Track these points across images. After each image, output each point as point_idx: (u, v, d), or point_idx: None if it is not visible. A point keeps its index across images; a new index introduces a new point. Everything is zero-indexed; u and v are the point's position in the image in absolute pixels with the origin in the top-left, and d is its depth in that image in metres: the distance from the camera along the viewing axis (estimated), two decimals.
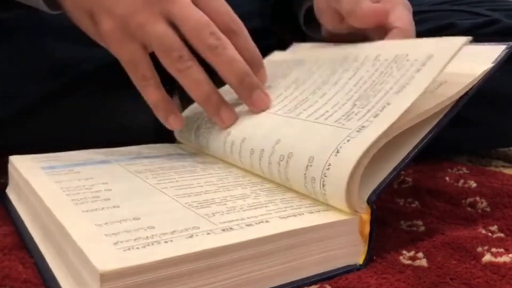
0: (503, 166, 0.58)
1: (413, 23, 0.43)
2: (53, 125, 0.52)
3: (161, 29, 0.38)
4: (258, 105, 0.40)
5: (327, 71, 0.41)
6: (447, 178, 0.50)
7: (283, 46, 0.54)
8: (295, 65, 0.46)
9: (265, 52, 0.55)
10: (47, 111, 0.51)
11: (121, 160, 0.42)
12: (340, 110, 0.35)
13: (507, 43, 0.36)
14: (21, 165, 0.39)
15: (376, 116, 0.32)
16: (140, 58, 0.39)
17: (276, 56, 0.51)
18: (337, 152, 0.30)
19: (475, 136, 0.58)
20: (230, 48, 0.39)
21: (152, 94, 0.40)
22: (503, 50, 0.35)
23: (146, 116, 0.50)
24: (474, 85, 0.34)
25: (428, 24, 0.58)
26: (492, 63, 0.35)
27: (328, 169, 0.30)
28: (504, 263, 0.32)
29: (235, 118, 0.41)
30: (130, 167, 0.40)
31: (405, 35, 0.41)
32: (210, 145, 0.43)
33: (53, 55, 0.50)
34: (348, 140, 0.30)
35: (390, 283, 0.29)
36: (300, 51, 0.50)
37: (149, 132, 0.51)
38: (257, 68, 0.41)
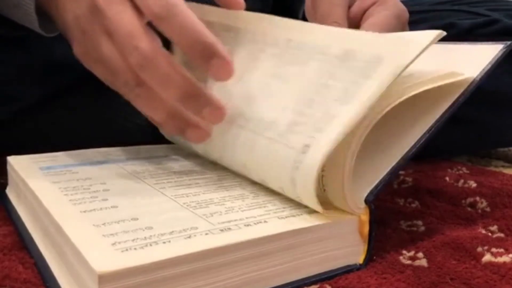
0: (503, 166, 0.58)
1: (388, 30, 0.42)
2: (52, 126, 0.52)
3: (106, 51, 0.33)
4: (213, 121, 0.35)
5: (272, 60, 0.37)
6: (447, 178, 0.50)
7: None
8: (233, 37, 0.40)
9: None
10: (46, 111, 0.51)
11: (119, 160, 0.42)
12: (284, 118, 0.33)
13: (504, 42, 0.36)
14: (19, 165, 0.39)
15: (320, 131, 0.30)
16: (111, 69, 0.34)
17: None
18: (294, 182, 0.30)
19: (475, 136, 0.58)
20: (160, 63, 0.32)
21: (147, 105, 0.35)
22: (501, 49, 0.35)
23: (144, 116, 0.50)
24: (471, 85, 0.34)
25: (428, 24, 0.58)
26: (490, 63, 0.34)
27: (298, 197, 0.30)
28: (504, 263, 0.32)
29: (204, 135, 0.36)
30: (128, 168, 0.40)
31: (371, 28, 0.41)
32: (200, 152, 0.43)
33: (52, 56, 0.50)
34: (297, 167, 0.30)
35: (390, 283, 0.29)
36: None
37: (147, 132, 0.51)
38: (204, 58, 0.32)
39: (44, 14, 0.41)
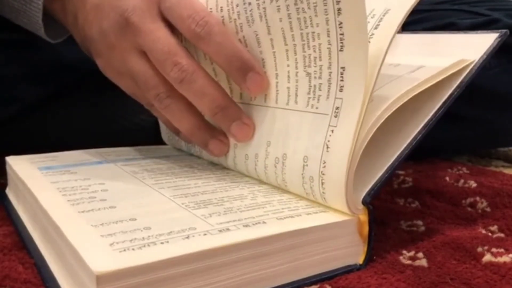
0: (503, 166, 0.58)
1: None
2: (52, 126, 0.52)
3: (136, 66, 0.35)
4: (239, 138, 0.36)
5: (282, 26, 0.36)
6: (447, 178, 0.50)
7: None
8: None
9: None
10: (47, 111, 0.51)
11: (118, 160, 0.42)
12: (301, 86, 0.32)
13: (499, 31, 0.35)
14: (18, 165, 0.39)
15: (341, 89, 0.30)
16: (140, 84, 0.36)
17: None
18: (328, 148, 0.30)
19: (475, 136, 0.58)
20: (198, 78, 0.34)
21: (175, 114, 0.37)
22: (496, 39, 0.35)
23: (145, 116, 0.50)
24: (466, 77, 0.33)
25: (428, 24, 0.58)
26: (485, 53, 0.34)
27: (324, 167, 0.30)
28: (504, 263, 0.32)
29: (225, 149, 0.38)
30: (127, 168, 0.40)
31: None
32: (203, 154, 0.43)
33: (52, 56, 0.50)
34: (332, 131, 0.30)
35: (390, 283, 0.29)
36: None
37: (148, 132, 0.51)
38: (242, 72, 0.34)
39: (51, 19, 0.41)
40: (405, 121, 0.33)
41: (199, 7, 0.34)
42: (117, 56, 0.36)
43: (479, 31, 0.37)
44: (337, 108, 0.30)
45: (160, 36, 0.34)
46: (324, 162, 0.30)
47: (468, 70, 0.33)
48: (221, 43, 0.34)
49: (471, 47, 0.35)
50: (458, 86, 0.33)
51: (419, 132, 0.32)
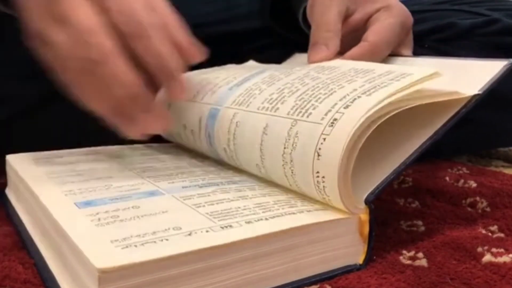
0: (503, 166, 0.58)
1: (391, 38, 0.44)
2: (53, 126, 0.52)
3: (57, 37, 0.34)
4: (149, 129, 0.35)
5: (303, 71, 0.39)
6: (447, 178, 0.50)
7: (284, 46, 0.54)
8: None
9: (265, 51, 0.56)
10: (47, 111, 0.51)
11: (121, 158, 0.42)
12: (303, 101, 0.33)
13: (507, 59, 0.36)
14: (18, 164, 0.39)
15: (347, 107, 0.30)
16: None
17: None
18: (318, 155, 0.30)
19: (475, 136, 0.58)
20: (112, 64, 0.33)
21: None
22: (505, 66, 0.35)
23: None
24: (473, 99, 0.34)
25: (428, 24, 0.58)
26: (493, 78, 0.35)
27: (317, 176, 0.30)
28: (504, 263, 0.32)
29: (141, 132, 0.36)
30: (130, 166, 0.40)
31: (371, 50, 0.42)
32: (205, 150, 0.43)
33: None
34: (325, 139, 0.30)
35: (390, 283, 0.29)
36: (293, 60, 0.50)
37: None
38: (166, 79, 0.34)
39: None
40: (415, 129, 0.33)
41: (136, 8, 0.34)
42: (43, 21, 0.34)
43: (488, 59, 0.37)
44: (335, 119, 0.30)
45: (81, 12, 0.33)
46: (317, 172, 0.30)
47: (475, 95, 0.34)
48: (150, 47, 0.33)
49: (480, 74, 0.36)
50: (464, 106, 0.34)
51: (427, 140, 0.33)
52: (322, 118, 0.30)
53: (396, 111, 0.30)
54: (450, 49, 0.54)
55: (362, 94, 0.31)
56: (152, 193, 0.33)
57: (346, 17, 0.45)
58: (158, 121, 0.36)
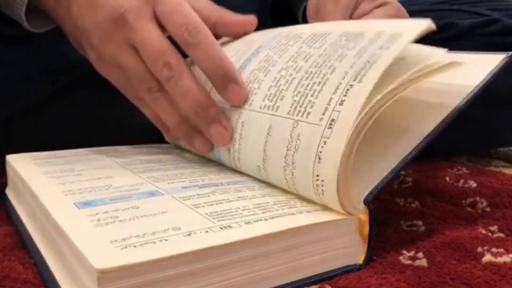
0: (503, 166, 0.58)
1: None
2: (53, 126, 0.52)
3: (129, 60, 0.37)
4: (216, 140, 0.38)
5: (295, 47, 0.38)
6: (447, 178, 0.50)
7: None
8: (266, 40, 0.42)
9: None
10: (47, 111, 0.51)
11: (121, 159, 0.42)
12: (301, 96, 0.33)
13: (506, 52, 0.36)
14: (18, 163, 0.39)
15: (342, 103, 0.30)
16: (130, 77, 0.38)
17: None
18: (319, 159, 0.30)
19: (475, 136, 0.58)
20: (185, 78, 0.37)
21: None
22: (503, 59, 0.35)
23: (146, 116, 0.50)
24: (472, 93, 0.34)
25: None
26: (491, 71, 0.35)
27: (317, 180, 0.30)
28: (504, 263, 0.32)
29: (209, 147, 0.40)
30: (130, 167, 0.40)
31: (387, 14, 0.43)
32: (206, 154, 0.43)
33: (53, 56, 0.50)
34: (325, 142, 0.30)
35: (390, 283, 0.29)
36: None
37: (150, 132, 0.51)
38: (224, 81, 0.37)
39: (37, 9, 0.41)
40: (413, 126, 0.33)
41: (193, 17, 0.37)
42: (109, 49, 0.38)
43: (486, 52, 0.37)
44: (333, 120, 0.30)
45: (152, 36, 0.36)
46: (317, 175, 0.30)
47: (474, 88, 0.34)
48: (208, 52, 0.36)
49: (478, 67, 0.36)
50: (463, 100, 0.34)
51: (425, 138, 0.32)
52: (321, 119, 0.30)
53: (393, 100, 0.30)
54: (450, 49, 0.54)
55: (354, 81, 0.30)
56: (151, 194, 0.33)
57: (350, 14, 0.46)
58: (227, 130, 0.37)
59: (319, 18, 0.44)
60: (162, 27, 0.37)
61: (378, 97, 0.29)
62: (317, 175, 0.30)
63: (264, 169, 0.35)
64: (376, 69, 0.30)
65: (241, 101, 0.37)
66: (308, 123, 0.31)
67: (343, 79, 0.31)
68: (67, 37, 0.42)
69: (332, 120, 0.30)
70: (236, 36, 0.44)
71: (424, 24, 0.31)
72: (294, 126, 0.32)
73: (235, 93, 0.37)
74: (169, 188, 0.34)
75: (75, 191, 0.33)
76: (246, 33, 0.44)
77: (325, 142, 0.29)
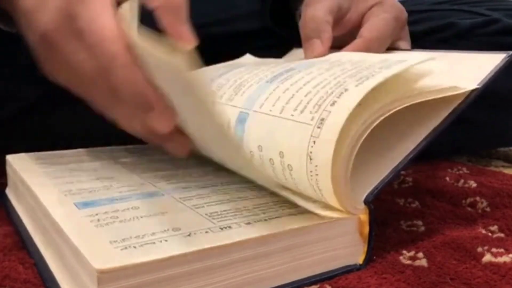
0: (503, 166, 0.58)
1: (386, 33, 0.44)
2: (53, 126, 0.52)
3: (77, 57, 0.33)
4: (158, 127, 0.33)
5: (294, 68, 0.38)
6: (447, 178, 0.50)
7: (283, 45, 0.54)
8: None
9: (264, 51, 0.56)
10: (47, 111, 0.51)
11: (122, 159, 0.42)
12: (297, 97, 0.32)
13: (506, 52, 0.36)
14: (18, 164, 0.39)
15: (333, 104, 0.29)
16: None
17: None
18: (310, 159, 0.29)
19: (475, 136, 0.58)
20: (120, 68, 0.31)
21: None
22: (503, 59, 0.35)
23: None
24: (472, 94, 0.34)
25: (428, 24, 0.58)
26: (491, 71, 0.35)
27: (311, 176, 0.30)
28: (504, 263, 0.32)
29: (183, 149, 0.35)
30: (130, 167, 0.40)
31: (366, 45, 0.42)
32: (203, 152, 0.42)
33: None
34: (314, 142, 0.29)
35: (390, 283, 0.29)
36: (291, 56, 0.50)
37: None
38: (143, 110, 0.32)
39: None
40: (413, 126, 0.33)
41: (108, 31, 0.31)
42: (53, 64, 0.35)
43: (486, 52, 0.37)
44: (322, 119, 0.29)
45: (80, 60, 0.32)
46: (311, 171, 0.30)
47: (474, 89, 0.34)
48: (120, 78, 0.31)
49: (478, 66, 0.36)
50: (463, 101, 0.33)
51: (425, 138, 0.32)
52: (312, 118, 0.30)
53: (390, 113, 0.30)
54: (450, 49, 0.54)
55: (350, 85, 0.30)
56: (151, 194, 0.33)
57: (340, 16, 0.45)
58: (169, 118, 0.32)
59: (303, 32, 0.44)
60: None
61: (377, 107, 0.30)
62: (311, 174, 0.30)
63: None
64: (374, 80, 0.30)
65: (165, 129, 0.32)
66: (299, 122, 0.31)
67: (340, 86, 0.31)
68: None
69: (322, 119, 0.29)
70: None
71: (430, 58, 0.31)
72: (286, 125, 0.32)
73: (155, 121, 0.32)
74: (169, 188, 0.34)
75: (75, 191, 0.33)
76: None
77: (314, 142, 0.29)
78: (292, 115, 0.32)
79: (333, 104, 0.29)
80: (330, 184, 0.29)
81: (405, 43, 0.47)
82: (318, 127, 0.29)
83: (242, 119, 0.35)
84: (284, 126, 0.32)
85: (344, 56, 0.39)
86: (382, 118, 0.30)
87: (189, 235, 0.27)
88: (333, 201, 0.30)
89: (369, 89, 0.29)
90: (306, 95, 0.32)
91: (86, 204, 0.31)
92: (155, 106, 0.31)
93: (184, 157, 0.37)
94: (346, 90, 0.30)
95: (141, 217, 0.29)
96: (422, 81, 0.32)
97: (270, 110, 0.34)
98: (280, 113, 0.33)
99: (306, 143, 0.29)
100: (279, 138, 0.32)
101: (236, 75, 0.40)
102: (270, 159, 0.33)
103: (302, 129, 0.30)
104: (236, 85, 0.38)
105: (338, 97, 0.30)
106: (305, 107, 0.31)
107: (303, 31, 0.44)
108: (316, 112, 0.30)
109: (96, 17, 0.31)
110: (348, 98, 0.29)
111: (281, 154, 0.32)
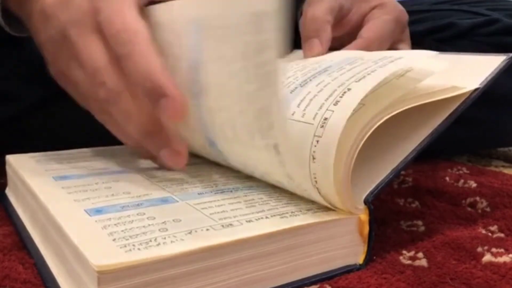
0: (503, 166, 0.58)
1: (386, 34, 0.44)
2: (53, 126, 0.52)
3: (76, 74, 0.34)
4: (169, 164, 0.35)
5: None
6: (447, 178, 0.50)
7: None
8: None
9: None
10: (48, 111, 0.51)
11: (120, 158, 0.42)
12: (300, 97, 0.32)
13: (506, 54, 0.36)
14: (18, 164, 0.39)
15: (336, 103, 0.30)
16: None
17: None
18: (314, 158, 0.29)
19: (475, 136, 0.58)
20: (122, 101, 0.33)
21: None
22: (503, 61, 0.36)
23: None
24: (472, 95, 0.34)
25: (428, 24, 0.58)
26: (491, 73, 0.35)
27: (314, 175, 0.30)
28: (504, 263, 0.32)
29: (181, 161, 0.35)
30: (130, 165, 0.40)
31: (366, 46, 0.42)
32: (205, 153, 0.42)
33: None
34: (318, 141, 0.29)
35: (390, 283, 0.29)
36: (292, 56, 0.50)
37: None
38: (153, 96, 0.31)
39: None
40: (413, 127, 0.33)
41: (128, 22, 0.32)
42: (62, 63, 0.35)
43: (486, 54, 0.37)
44: (325, 119, 0.30)
45: (91, 52, 0.33)
46: (314, 174, 0.30)
47: (474, 90, 0.34)
48: (136, 65, 0.31)
49: (478, 68, 0.36)
50: (464, 102, 0.34)
51: (426, 138, 0.33)
52: (314, 118, 0.30)
53: (392, 114, 0.30)
54: (450, 49, 0.54)
55: (351, 84, 0.30)
56: (164, 200, 0.33)
57: (341, 16, 0.46)
58: (179, 154, 0.34)
59: (303, 30, 0.44)
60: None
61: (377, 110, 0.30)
62: (314, 175, 0.30)
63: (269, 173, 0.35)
64: (376, 78, 0.30)
65: (176, 117, 0.31)
66: (301, 121, 0.31)
67: (342, 85, 0.31)
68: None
69: (325, 119, 0.29)
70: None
71: (432, 55, 0.32)
72: (290, 125, 0.32)
73: (166, 108, 0.31)
74: (182, 195, 0.33)
75: (75, 191, 0.33)
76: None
77: (317, 141, 0.29)
78: (295, 114, 0.32)
79: (336, 103, 0.30)
80: (333, 183, 0.29)
81: (405, 45, 0.47)
82: (322, 127, 0.29)
83: None
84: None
85: (343, 55, 0.39)
86: (384, 119, 0.30)
87: (190, 232, 0.27)
88: (334, 200, 0.30)
89: (371, 88, 0.29)
90: (308, 94, 0.32)
91: (86, 204, 0.31)
92: (169, 93, 0.31)
93: (179, 169, 0.37)
94: (349, 89, 0.30)
95: (143, 215, 0.29)
96: (424, 81, 0.32)
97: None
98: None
99: (310, 142, 0.29)
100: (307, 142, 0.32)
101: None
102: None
103: (304, 128, 0.30)
104: None
105: (341, 97, 0.30)
106: (308, 106, 0.31)
107: (303, 31, 0.44)
108: (319, 111, 0.30)
109: (119, 9, 0.33)
110: (351, 97, 0.29)
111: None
